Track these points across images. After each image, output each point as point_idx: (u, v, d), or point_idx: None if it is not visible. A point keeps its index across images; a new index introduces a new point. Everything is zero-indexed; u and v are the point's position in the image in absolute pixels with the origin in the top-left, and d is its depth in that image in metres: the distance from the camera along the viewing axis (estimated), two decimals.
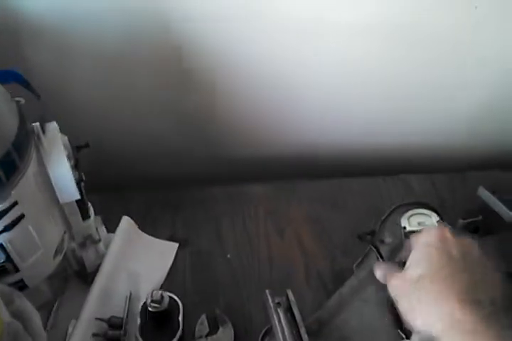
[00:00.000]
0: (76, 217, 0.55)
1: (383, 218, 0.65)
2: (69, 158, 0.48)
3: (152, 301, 0.55)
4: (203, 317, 0.59)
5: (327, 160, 0.81)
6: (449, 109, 0.77)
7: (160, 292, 0.56)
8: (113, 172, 0.77)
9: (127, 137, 0.75)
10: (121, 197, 0.71)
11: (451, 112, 0.77)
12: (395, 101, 0.75)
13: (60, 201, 0.50)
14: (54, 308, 0.60)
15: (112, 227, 0.66)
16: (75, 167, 0.50)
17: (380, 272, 0.52)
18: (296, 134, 0.78)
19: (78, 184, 0.50)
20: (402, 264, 0.50)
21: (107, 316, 0.58)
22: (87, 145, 0.51)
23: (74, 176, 0.48)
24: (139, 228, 0.67)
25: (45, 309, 0.60)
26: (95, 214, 0.65)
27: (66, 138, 0.49)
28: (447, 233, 0.48)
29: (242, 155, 0.80)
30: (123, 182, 0.76)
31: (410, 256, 0.48)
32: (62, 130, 0.51)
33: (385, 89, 0.73)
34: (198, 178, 0.77)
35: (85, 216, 0.57)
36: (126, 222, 0.66)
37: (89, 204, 0.59)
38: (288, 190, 0.74)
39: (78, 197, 0.50)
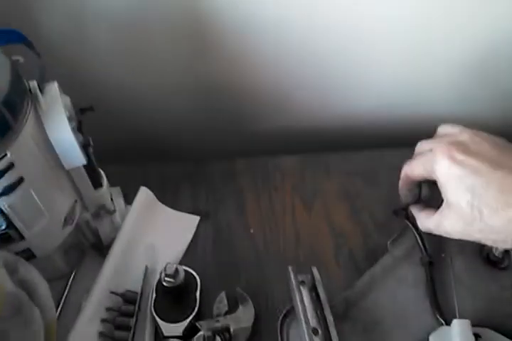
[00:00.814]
0: (86, 184, 0.52)
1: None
2: (70, 120, 0.44)
3: (166, 275, 0.52)
4: (222, 294, 0.55)
5: (360, 131, 0.74)
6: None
7: (174, 265, 0.52)
8: (134, 144, 0.74)
9: (146, 108, 0.71)
10: (141, 169, 0.68)
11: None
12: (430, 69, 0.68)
13: (65, 166, 0.47)
14: (69, 281, 0.58)
15: (131, 199, 0.62)
16: (79, 130, 0.47)
17: (423, 221, 0.48)
18: (324, 105, 0.72)
19: (84, 148, 0.47)
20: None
21: (121, 290, 0.55)
22: (91, 109, 0.47)
23: (77, 139, 0.45)
24: (159, 200, 0.64)
25: (61, 282, 0.58)
26: (114, 185, 0.63)
27: (68, 98, 0.46)
28: (453, 151, 0.43)
29: (268, 127, 0.75)
30: (143, 154, 0.73)
31: (447, 194, 0.43)
32: (74, 96, 0.49)
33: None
34: (222, 152, 0.73)
35: (97, 184, 0.54)
36: (144, 192, 0.62)
37: (102, 173, 0.56)
38: (317, 163, 0.68)
39: (84, 162, 0.47)
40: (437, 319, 0.49)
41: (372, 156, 0.69)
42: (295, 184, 0.66)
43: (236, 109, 0.73)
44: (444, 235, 0.46)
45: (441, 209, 0.45)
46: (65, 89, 0.48)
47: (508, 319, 0.49)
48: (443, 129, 0.48)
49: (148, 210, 0.62)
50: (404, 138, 0.72)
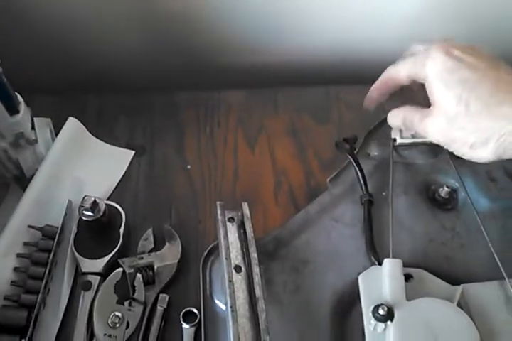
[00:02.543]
0: None
1: (371, 128, 0.56)
2: None
3: (83, 208, 0.48)
4: (149, 231, 0.52)
5: (314, 66, 0.68)
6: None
7: (93, 198, 0.48)
8: (69, 73, 0.68)
9: (86, 34, 0.64)
10: (77, 100, 0.63)
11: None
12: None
13: None
14: None
15: None
16: None
17: (406, 117, 0.44)
18: (281, 38, 0.66)
19: None
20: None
21: (42, 225, 0.52)
22: None
23: None
24: (93, 133, 0.59)
25: None
26: (47, 116, 0.58)
27: None
28: (450, 48, 0.40)
29: (219, 62, 0.69)
30: (79, 85, 0.67)
31: (434, 89, 0.40)
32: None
33: None
34: (166, 86, 0.67)
35: (12, 110, 0.49)
36: (72, 123, 0.57)
37: (20, 98, 0.51)
38: (266, 98, 0.63)
39: None
40: (371, 259, 0.46)
41: (325, 93, 0.64)
42: (240, 119, 0.62)
43: (184, 40, 0.66)
44: (425, 135, 0.42)
45: (427, 111, 0.42)
46: None
47: (444, 261, 0.46)
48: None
49: (76, 142, 0.57)
50: (359, 75, 0.68)
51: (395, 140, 0.53)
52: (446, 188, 0.50)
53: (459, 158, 0.42)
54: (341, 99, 0.62)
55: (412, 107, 0.44)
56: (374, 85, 0.47)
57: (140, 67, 0.68)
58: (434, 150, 0.52)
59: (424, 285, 0.43)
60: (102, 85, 0.68)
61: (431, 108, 0.41)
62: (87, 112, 0.62)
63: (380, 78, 0.47)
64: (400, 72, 0.44)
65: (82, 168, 0.56)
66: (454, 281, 0.43)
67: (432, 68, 0.40)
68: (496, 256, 0.44)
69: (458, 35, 0.66)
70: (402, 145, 0.53)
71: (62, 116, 0.59)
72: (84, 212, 0.48)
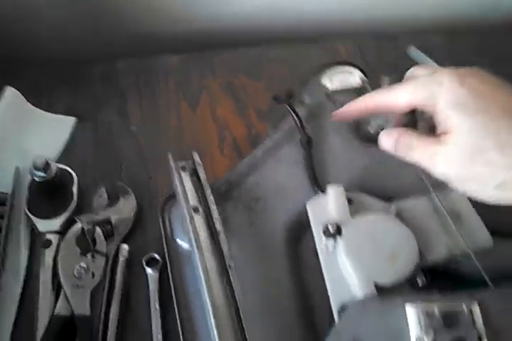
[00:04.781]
0: None
1: (308, 80, 0.60)
2: None
3: (36, 169, 0.49)
4: (102, 189, 0.53)
5: (245, 28, 0.72)
6: None
7: (44, 159, 0.49)
8: (3, 45, 0.67)
9: (16, 5, 0.64)
10: (11, 73, 0.62)
11: None
12: None
13: None
14: None
15: None
16: None
17: (401, 141, 0.37)
18: (213, 5, 0.69)
19: None
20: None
21: None
22: None
23: None
24: (34, 104, 0.59)
25: None
26: None
27: None
28: (462, 74, 0.35)
29: (152, 29, 0.71)
30: (15, 57, 0.66)
31: (452, 119, 0.34)
32: None
33: None
34: (104, 55, 0.68)
35: None
36: (10, 93, 0.57)
37: None
38: (202, 61, 0.66)
39: None
40: (315, 190, 0.50)
41: (256, 53, 0.67)
42: (180, 82, 0.64)
43: (115, 9, 0.67)
44: (428, 168, 0.36)
45: (436, 139, 0.35)
46: None
47: (378, 182, 0.51)
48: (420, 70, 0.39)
49: (16, 112, 0.57)
50: (285, 34, 0.72)
51: (326, 87, 0.58)
52: (373, 125, 0.55)
53: None
54: (271, 57, 0.66)
55: (413, 131, 0.37)
56: (356, 106, 0.41)
57: (77, 37, 0.69)
58: (362, 93, 0.57)
59: (364, 205, 0.47)
60: (39, 57, 0.68)
61: (443, 136, 0.35)
62: (24, 84, 0.60)
63: (368, 101, 0.40)
64: (399, 100, 0.37)
65: (25, 136, 0.56)
66: (389, 199, 0.48)
67: (447, 97, 0.34)
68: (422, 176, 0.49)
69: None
70: (333, 91, 0.57)
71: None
72: (37, 173, 0.49)
